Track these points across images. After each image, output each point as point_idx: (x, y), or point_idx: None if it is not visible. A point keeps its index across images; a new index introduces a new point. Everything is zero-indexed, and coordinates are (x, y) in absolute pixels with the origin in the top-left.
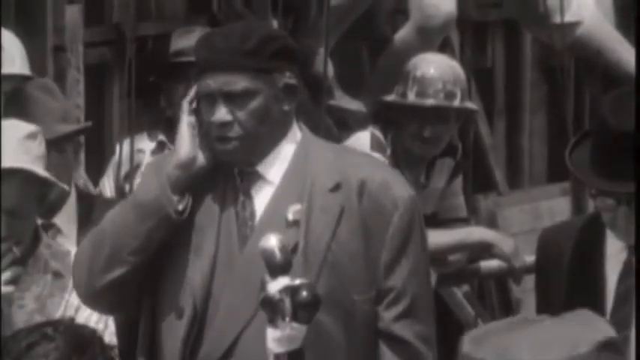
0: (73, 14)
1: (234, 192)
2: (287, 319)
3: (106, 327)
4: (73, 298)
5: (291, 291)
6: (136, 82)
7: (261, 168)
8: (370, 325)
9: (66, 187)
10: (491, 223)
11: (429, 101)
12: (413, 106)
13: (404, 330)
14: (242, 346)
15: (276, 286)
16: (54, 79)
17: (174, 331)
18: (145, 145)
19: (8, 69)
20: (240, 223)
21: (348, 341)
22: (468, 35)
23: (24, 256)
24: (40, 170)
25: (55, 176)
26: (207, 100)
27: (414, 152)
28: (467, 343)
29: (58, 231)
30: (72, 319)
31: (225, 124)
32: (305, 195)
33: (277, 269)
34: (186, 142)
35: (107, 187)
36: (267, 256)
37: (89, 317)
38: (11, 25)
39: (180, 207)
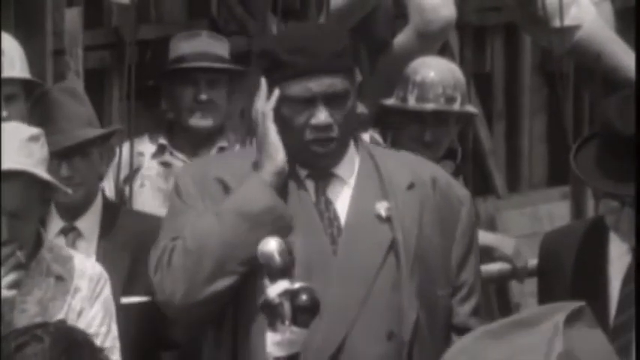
0: (73, 18)
1: (307, 194)
2: (286, 322)
3: (108, 331)
4: (76, 302)
5: (291, 295)
6: (135, 86)
7: (335, 168)
8: (447, 320)
9: (70, 191)
10: (491, 226)
11: (430, 106)
12: (413, 111)
13: (479, 325)
14: (349, 349)
15: (275, 289)
16: (53, 83)
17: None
18: (146, 147)
19: (8, 72)
20: (326, 224)
21: (431, 336)
22: (467, 39)
23: (26, 259)
24: (43, 173)
25: (80, 180)
26: (298, 104)
27: None
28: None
29: (80, 235)
30: (63, 321)
31: (327, 127)
32: (389, 193)
33: (277, 273)
34: (280, 149)
35: (107, 190)
36: (266, 259)
37: (92, 321)
38: (10, 29)
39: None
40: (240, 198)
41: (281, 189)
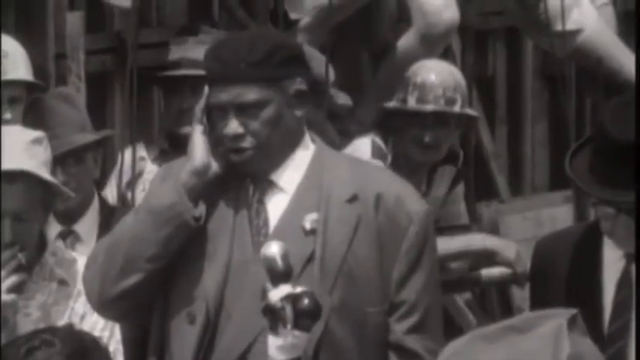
0: (74, 22)
1: (247, 200)
2: (288, 326)
3: (111, 335)
4: (79, 306)
5: (293, 299)
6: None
7: (274, 176)
8: (382, 337)
9: (72, 194)
10: (494, 230)
11: (429, 107)
12: (413, 112)
13: (415, 343)
14: (253, 356)
15: (277, 293)
16: (55, 87)
17: (185, 336)
18: (148, 151)
19: (13, 74)
20: (254, 231)
21: (360, 351)
22: (469, 43)
23: (29, 263)
24: (46, 174)
25: (75, 185)
26: (218, 112)
27: (415, 158)
28: None
29: (77, 238)
30: (71, 325)
31: (237, 137)
32: (322, 205)
33: (279, 277)
34: (200, 150)
35: (109, 195)
36: (268, 263)
37: (95, 325)
38: (12, 33)
39: (197, 213)
40: (152, 194)
41: (208, 190)
